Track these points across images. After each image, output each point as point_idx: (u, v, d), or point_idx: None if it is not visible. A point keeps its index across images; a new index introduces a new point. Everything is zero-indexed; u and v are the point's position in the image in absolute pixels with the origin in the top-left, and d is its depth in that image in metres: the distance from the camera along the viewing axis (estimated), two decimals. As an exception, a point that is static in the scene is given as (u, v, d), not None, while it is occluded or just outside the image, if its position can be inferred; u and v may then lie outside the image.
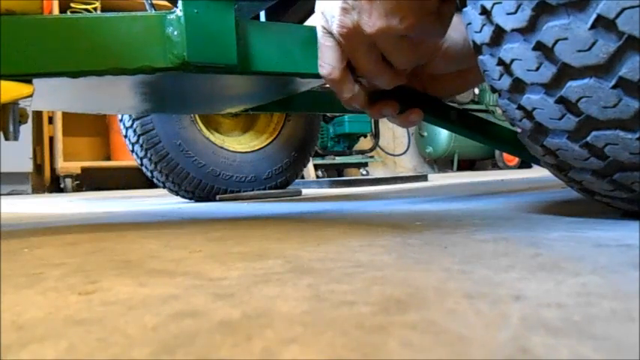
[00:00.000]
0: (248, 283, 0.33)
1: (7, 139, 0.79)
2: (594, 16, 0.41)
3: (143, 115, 1.35)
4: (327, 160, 4.29)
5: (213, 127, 1.55)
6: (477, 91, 5.18)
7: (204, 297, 0.30)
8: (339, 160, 4.36)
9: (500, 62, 0.49)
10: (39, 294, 0.33)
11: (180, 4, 0.65)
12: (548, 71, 0.45)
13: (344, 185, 2.39)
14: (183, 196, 1.48)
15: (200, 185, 1.42)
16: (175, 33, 0.64)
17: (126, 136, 1.41)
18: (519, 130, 0.55)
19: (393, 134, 5.32)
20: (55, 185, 3.66)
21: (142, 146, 1.37)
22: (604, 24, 0.41)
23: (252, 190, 1.50)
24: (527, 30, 0.45)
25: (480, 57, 0.53)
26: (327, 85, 0.69)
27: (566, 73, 0.44)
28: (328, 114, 3.86)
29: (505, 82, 0.51)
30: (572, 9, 0.42)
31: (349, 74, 0.65)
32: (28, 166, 3.38)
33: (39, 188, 3.61)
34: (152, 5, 1.14)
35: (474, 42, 0.53)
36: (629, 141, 0.45)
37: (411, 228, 0.59)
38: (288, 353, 0.20)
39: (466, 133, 0.81)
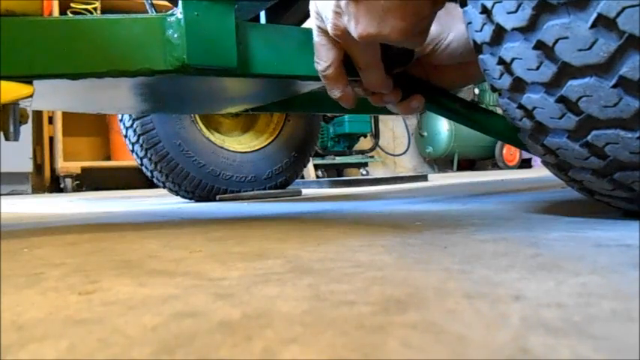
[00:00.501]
0: (248, 283, 0.33)
1: (7, 139, 0.79)
2: (595, 15, 0.41)
3: (143, 115, 1.35)
4: (327, 160, 4.29)
5: (214, 127, 1.55)
6: (477, 90, 5.17)
7: (204, 297, 0.30)
8: (339, 160, 4.36)
9: (501, 61, 0.49)
10: (39, 294, 0.33)
11: (180, 5, 0.65)
12: (548, 70, 0.45)
13: (344, 185, 2.39)
14: (183, 196, 1.48)
15: (200, 185, 1.42)
16: (175, 35, 0.64)
17: (126, 136, 1.41)
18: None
19: (393, 134, 5.32)
20: (55, 185, 3.66)
21: (142, 146, 1.37)
22: (604, 23, 0.41)
23: (252, 190, 1.50)
24: (528, 29, 0.45)
25: (481, 56, 0.53)
26: None
27: (566, 72, 0.44)
28: (328, 114, 3.86)
29: (505, 82, 0.51)
30: (573, 8, 0.42)
31: (343, 73, 0.65)
32: (28, 166, 3.38)
33: (39, 188, 3.61)
34: (152, 5, 1.14)
35: (474, 41, 0.53)
36: (629, 140, 0.45)
37: (411, 228, 0.59)
38: (288, 353, 0.20)
39: (470, 124, 0.80)
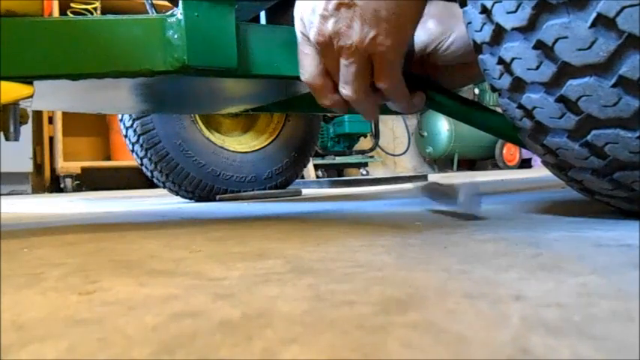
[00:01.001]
0: (248, 283, 0.33)
1: (7, 139, 0.79)
2: (594, 14, 0.41)
3: (143, 115, 1.35)
4: (327, 160, 4.29)
5: (214, 127, 1.55)
6: (477, 91, 5.17)
7: (204, 297, 0.30)
8: (339, 160, 4.36)
9: (501, 61, 0.49)
10: (39, 294, 0.33)
11: (180, 6, 0.65)
12: (548, 70, 0.45)
13: (344, 185, 2.39)
14: (183, 196, 1.48)
15: (200, 185, 1.42)
16: (176, 36, 0.64)
17: (126, 136, 1.41)
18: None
19: (393, 134, 5.32)
20: (55, 185, 3.66)
21: (142, 146, 1.37)
22: (604, 22, 0.41)
23: (252, 190, 1.49)
24: (528, 29, 0.45)
25: (480, 56, 0.53)
26: None
27: (566, 71, 0.44)
28: (328, 114, 3.86)
29: (505, 81, 0.51)
30: (572, 7, 0.42)
31: (329, 82, 0.63)
32: (28, 166, 3.38)
33: (39, 188, 3.61)
34: (153, 6, 1.13)
35: (474, 41, 0.53)
36: (629, 140, 0.45)
37: (411, 228, 0.59)
38: (288, 353, 0.20)
39: (470, 122, 0.80)
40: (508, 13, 0.46)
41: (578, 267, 0.33)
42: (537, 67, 0.46)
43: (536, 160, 5.29)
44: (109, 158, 3.84)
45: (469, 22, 0.52)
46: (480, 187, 0.73)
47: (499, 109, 0.60)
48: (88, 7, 3.43)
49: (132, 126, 1.37)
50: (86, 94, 0.84)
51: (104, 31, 0.62)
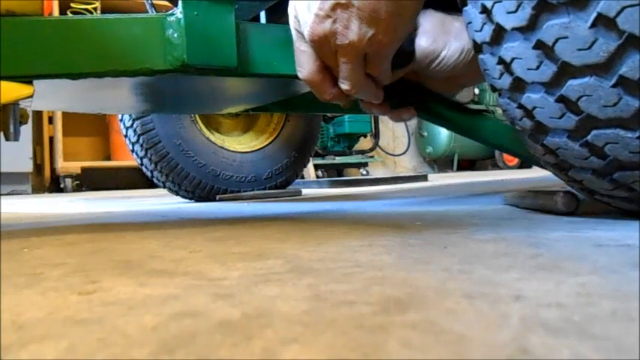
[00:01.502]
0: (248, 283, 0.33)
1: (7, 139, 0.79)
2: (594, 14, 0.41)
3: (143, 115, 1.35)
4: (327, 160, 4.29)
5: (214, 127, 1.55)
6: (477, 91, 5.17)
7: (204, 297, 0.30)
8: (339, 160, 4.36)
9: (501, 61, 0.49)
10: (39, 294, 0.33)
11: (180, 5, 0.65)
12: (548, 70, 0.45)
13: (344, 185, 2.39)
14: (183, 196, 1.48)
15: (200, 185, 1.42)
16: (175, 35, 0.64)
17: (126, 136, 1.41)
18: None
19: (393, 134, 5.32)
20: (55, 185, 3.65)
21: (142, 146, 1.37)
22: (604, 22, 0.41)
23: (252, 190, 1.49)
24: (528, 29, 0.45)
25: (481, 56, 0.53)
26: None
27: (566, 71, 0.44)
28: (328, 114, 3.86)
29: (505, 81, 0.50)
30: (573, 8, 0.42)
31: (328, 76, 0.63)
32: (28, 166, 3.38)
33: (39, 188, 3.61)
34: (152, 5, 1.14)
35: (474, 41, 0.53)
36: (629, 140, 0.45)
37: (411, 228, 0.59)
38: (288, 353, 0.20)
39: (463, 133, 0.81)
40: (508, 13, 0.46)
41: (578, 267, 0.33)
42: (537, 67, 0.46)
43: (536, 160, 5.27)
44: (109, 158, 3.84)
45: (469, 22, 0.52)
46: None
47: (499, 109, 0.61)
48: (88, 6, 3.42)
49: (132, 126, 1.37)
50: (86, 94, 0.84)
51: (104, 30, 0.62)
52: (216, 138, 1.50)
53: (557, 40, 0.43)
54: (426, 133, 5.35)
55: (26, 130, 3.19)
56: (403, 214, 0.79)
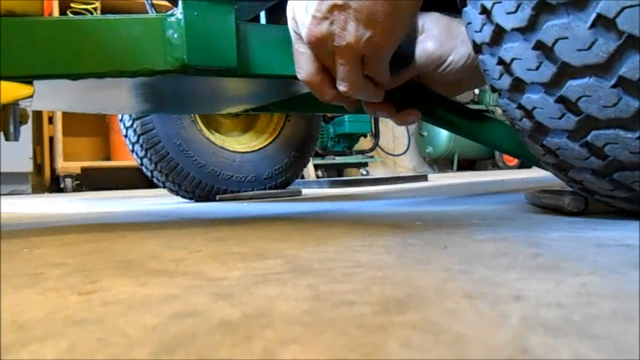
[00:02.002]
0: (248, 283, 0.33)
1: (7, 139, 0.79)
2: (594, 15, 0.41)
3: (143, 115, 1.35)
4: (327, 160, 4.29)
5: (214, 127, 1.55)
6: (477, 91, 5.17)
7: (204, 297, 0.30)
8: (339, 160, 4.36)
9: (501, 62, 0.49)
10: (39, 294, 0.33)
11: (180, 5, 0.65)
12: (548, 70, 0.45)
13: (344, 185, 2.39)
14: (183, 196, 1.48)
15: (200, 185, 1.42)
16: (175, 36, 0.64)
17: (126, 136, 1.41)
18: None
19: (393, 134, 5.32)
20: (55, 185, 3.66)
21: (142, 146, 1.37)
22: (604, 23, 0.41)
23: (252, 190, 1.49)
24: (527, 29, 0.45)
25: (480, 56, 0.53)
26: None
27: (566, 72, 0.44)
28: (328, 114, 3.86)
29: (505, 82, 0.51)
30: (572, 8, 0.42)
31: (327, 77, 0.63)
32: (28, 166, 3.38)
33: (39, 188, 3.61)
34: (152, 6, 1.13)
35: (473, 41, 0.53)
36: (629, 140, 0.45)
37: (411, 228, 0.59)
38: (288, 353, 0.20)
39: (467, 136, 0.81)
40: (508, 13, 0.46)
41: (578, 267, 0.33)
42: (537, 68, 0.46)
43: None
44: (109, 158, 3.84)
45: (469, 23, 0.52)
46: None
47: (499, 110, 0.61)
48: (88, 7, 3.43)
49: (132, 126, 1.37)
50: (86, 94, 0.84)
51: (104, 30, 0.62)
52: (216, 138, 1.50)
53: (556, 41, 0.43)
54: (425, 133, 5.35)
55: (26, 130, 3.19)
56: (403, 214, 0.79)
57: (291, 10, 0.60)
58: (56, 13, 3.34)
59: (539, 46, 0.45)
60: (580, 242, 0.43)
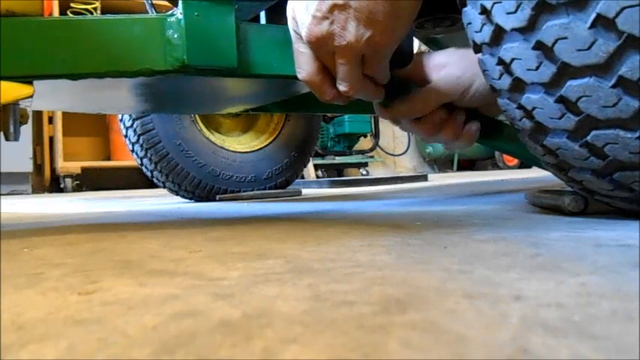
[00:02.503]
0: (248, 283, 0.33)
1: (7, 139, 0.79)
2: (594, 15, 0.41)
3: (143, 115, 1.35)
4: (327, 160, 4.29)
5: (214, 127, 1.55)
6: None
7: (204, 297, 0.30)
8: (339, 160, 4.36)
9: (500, 62, 0.49)
10: (39, 294, 0.33)
11: (180, 5, 0.65)
12: (547, 70, 0.45)
13: (344, 185, 2.39)
14: (183, 196, 1.48)
15: (200, 185, 1.42)
16: (175, 36, 0.64)
17: (126, 136, 1.41)
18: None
19: (393, 134, 5.32)
20: (55, 185, 3.66)
21: (142, 146, 1.37)
22: (604, 23, 0.41)
23: (252, 190, 1.50)
24: (527, 29, 0.45)
25: (480, 56, 0.53)
26: None
27: (565, 72, 0.44)
28: (328, 114, 3.86)
29: (505, 82, 0.51)
30: (572, 8, 0.42)
31: (327, 77, 0.62)
32: (28, 166, 3.38)
33: (39, 188, 3.61)
34: (152, 6, 1.13)
35: (473, 42, 0.53)
36: (628, 140, 0.45)
37: (411, 228, 0.59)
38: (288, 353, 0.20)
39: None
40: (508, 13, 0.46)
41: (578, 267, 0.33)
42: (537, 68, 0.46)
43: (536, 160, 5.27)
44: (109, 158, 3.84)
45: (469, 23, 0.52)
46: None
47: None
48: (88, 7, 3.43)
49: (132, 126, 1.37)
50: (86, 94, 0.84)
51: (104, 30, 0.62)
52: (216, 138, 1.50)
53: (556, 41, 0.43)
54: (425, 133, 5.35)
55: (26, 130, 3.19)
56: (403, 214, 0.79)
57: (291, 9, 0.60)
58: (56, 13, 3.34)
59: (539, 46, 0.45)
60: (580, 242, 0.43)
